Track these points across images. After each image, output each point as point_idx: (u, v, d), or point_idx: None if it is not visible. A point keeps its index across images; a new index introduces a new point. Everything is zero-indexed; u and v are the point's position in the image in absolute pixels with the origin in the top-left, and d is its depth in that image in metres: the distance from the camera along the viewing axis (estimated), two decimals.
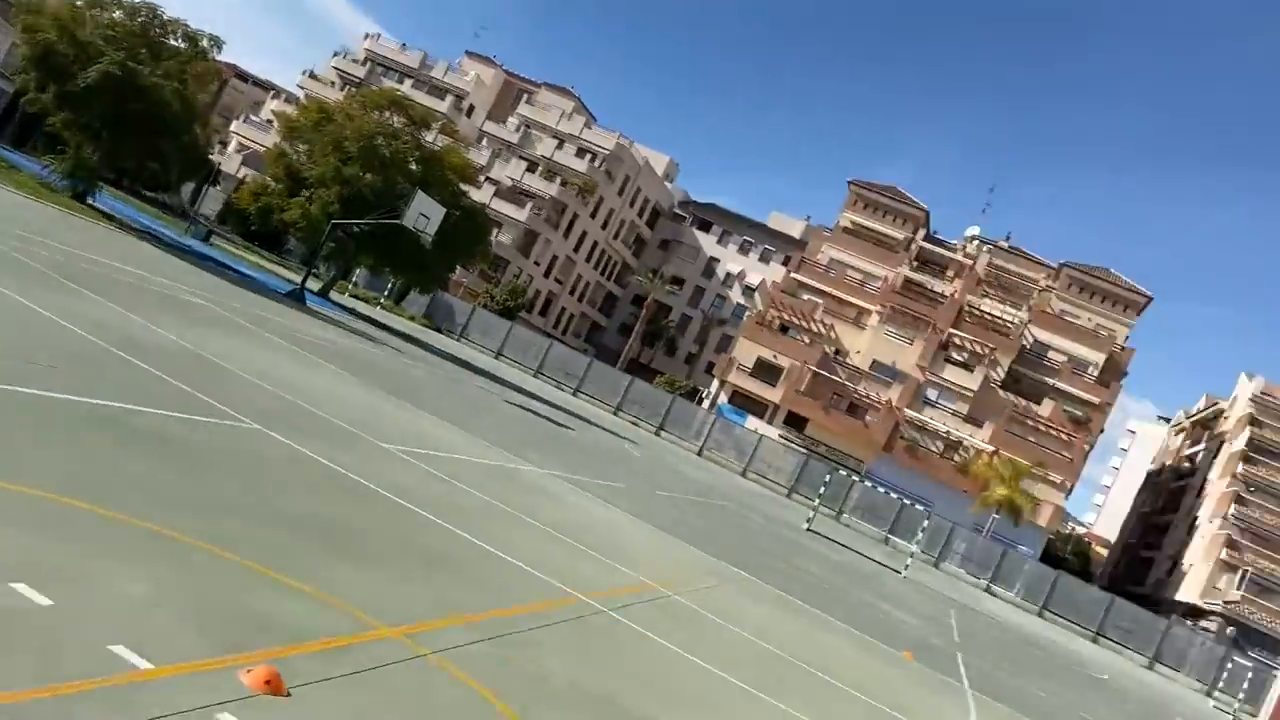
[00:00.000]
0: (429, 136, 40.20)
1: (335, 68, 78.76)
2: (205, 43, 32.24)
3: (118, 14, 30.43)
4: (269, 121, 70.46)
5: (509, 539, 10.09)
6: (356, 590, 6.57)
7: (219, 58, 36.04)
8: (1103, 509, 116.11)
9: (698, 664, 8.60)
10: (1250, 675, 40.96)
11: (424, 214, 30.50)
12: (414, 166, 36.00)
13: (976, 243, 70.51)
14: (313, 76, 77.52)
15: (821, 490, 35.01)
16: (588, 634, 8.10)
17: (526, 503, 12.49)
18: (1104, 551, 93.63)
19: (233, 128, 77.16)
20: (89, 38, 28.76)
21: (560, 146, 74.83)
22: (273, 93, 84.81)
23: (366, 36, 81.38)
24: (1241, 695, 39.36)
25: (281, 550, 6.78)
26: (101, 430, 7.72)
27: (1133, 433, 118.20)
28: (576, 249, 77.30)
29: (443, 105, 72.40)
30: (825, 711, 9.05)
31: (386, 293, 54.24)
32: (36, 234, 18.42)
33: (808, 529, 31.56)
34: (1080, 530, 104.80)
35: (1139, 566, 76.37)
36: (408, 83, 72.89)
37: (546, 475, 15.76)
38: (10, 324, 10.01)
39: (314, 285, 38.09)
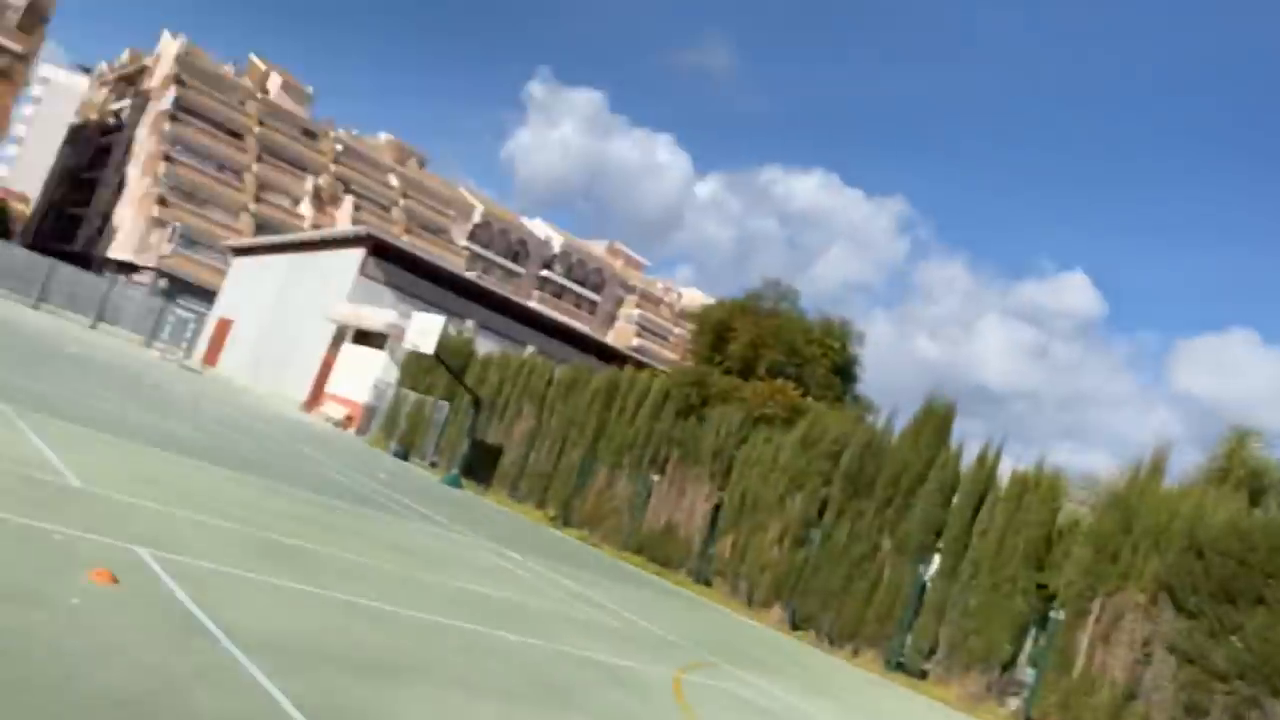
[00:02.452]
0: None
1: None
2: None
3: None
4: None
5: None
6: None
7: None
8: (18, 161, 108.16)
9: None
10: (185, 323, 45.72)
11: None
12: None
13: None
14: None
15: None
16: None
17: None
18: (25, 209, 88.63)
19: None
20: None
21: None
22: None
23: None
24: (184, 343, 43.87)
25: None
26: None
27: (47, 80, 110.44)
28: None
29: None
30: None
31: None
32: None
33: None
34: None
35: (68, 224, 75.11)
36: None
37: None
38: None
39: None
